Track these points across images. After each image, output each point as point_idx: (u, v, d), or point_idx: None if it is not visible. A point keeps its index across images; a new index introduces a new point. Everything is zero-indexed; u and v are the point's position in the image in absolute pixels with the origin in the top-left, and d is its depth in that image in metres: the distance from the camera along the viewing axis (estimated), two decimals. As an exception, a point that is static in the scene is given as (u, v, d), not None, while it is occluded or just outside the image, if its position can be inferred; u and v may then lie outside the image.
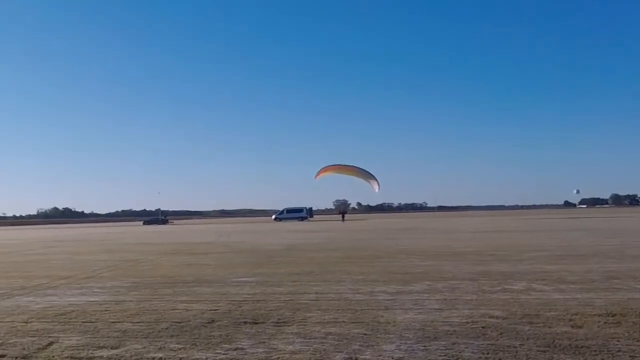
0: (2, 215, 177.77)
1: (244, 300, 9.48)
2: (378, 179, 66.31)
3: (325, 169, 67.11)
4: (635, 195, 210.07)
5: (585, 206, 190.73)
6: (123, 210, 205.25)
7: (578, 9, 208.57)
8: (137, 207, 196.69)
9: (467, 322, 7.37)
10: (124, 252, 23.17)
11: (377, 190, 66.31)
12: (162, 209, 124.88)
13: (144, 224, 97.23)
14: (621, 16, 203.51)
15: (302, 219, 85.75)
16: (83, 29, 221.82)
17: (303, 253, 19.60)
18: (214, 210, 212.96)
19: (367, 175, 66.05)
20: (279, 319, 7.85)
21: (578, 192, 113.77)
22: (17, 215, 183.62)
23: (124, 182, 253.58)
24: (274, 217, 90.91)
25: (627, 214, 73.13)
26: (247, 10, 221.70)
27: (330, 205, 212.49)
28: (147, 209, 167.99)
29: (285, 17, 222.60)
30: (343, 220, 68.21)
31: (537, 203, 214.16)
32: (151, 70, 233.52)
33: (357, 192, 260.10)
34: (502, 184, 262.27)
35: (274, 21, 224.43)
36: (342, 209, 79.86)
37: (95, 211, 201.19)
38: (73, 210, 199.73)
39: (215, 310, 8.68)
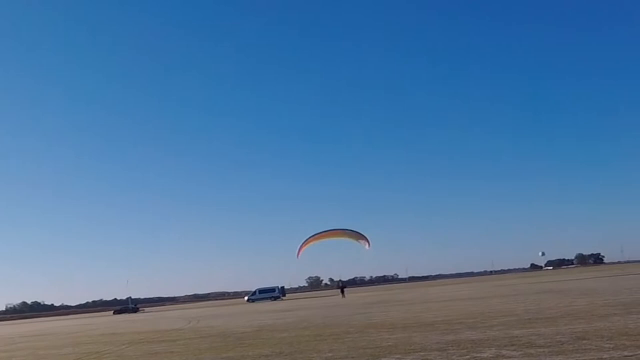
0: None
1: (210, 387, 9.24)
2: (367, 236, 61.05)
3: (307, 241, 61.21)
4: (599, 254, 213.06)
5: (551, 268, 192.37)
6: (94, 301, 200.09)
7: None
8: (108, 297, 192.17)
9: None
10: (90, 344, 22.46)
11: (368, 248, 60.59)
12: (133, 297, 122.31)
13: (114, 313, 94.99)
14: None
15: (275, 298, 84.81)
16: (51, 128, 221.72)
17: (273, 334, 19.26)
18: (187, 296, 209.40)
19: (356, 235, 60.91)
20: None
21: (543, 254, 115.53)
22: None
23: (94, 272, 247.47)
24: (246, 298, 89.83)
25: (593, 273, 73.82)
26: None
27: (304, 283, 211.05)
28: (118, 298, 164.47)
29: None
30: (343, 296, 63.20)
31: (505, 268, 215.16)
32: (116, 164, 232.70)
33: (330, 268, 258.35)
34: (469, 251, 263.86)
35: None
36: (341, 284, 72.37)
37: (66, 303, 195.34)
38: (42, 303, 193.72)
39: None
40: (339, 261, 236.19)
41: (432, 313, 22.84)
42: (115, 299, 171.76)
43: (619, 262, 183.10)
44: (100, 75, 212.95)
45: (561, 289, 35.71)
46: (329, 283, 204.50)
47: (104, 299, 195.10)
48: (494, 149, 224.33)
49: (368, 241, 60.16)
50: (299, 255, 61.76)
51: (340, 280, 74.68)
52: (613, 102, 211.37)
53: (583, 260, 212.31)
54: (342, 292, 65.93)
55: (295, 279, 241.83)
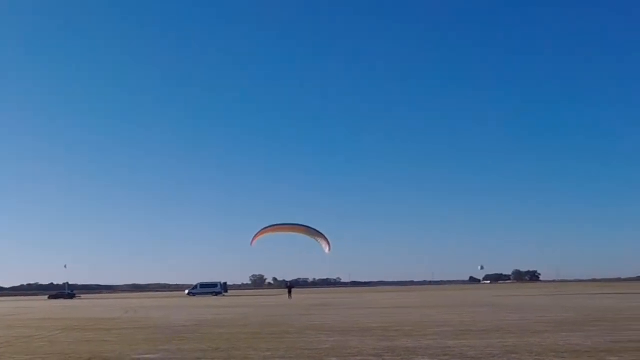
0: None
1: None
2: (329, 238, 56.18)
3: (264, 230, 56.73)
4: (535, 272, 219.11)
5: (489, 282, 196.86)
6: (29, 284, 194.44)
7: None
8: (44, 281, 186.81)
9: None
10: (21, 328, 21.95)
11: (327, 251, 56.13)
12: (70, 282, 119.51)
13: (49, 298, 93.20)
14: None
15: (217, 294, 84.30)
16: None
17: (212, 329, 19.19)
18: (126, 285, 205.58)
19: (315, 234, 56.36)
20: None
21: (482, 268, 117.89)
22: None
23: (30, 254, 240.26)
24: (187, 292, 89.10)
25: (528, 290, 75.82)
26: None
27: (247, 280, 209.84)
28: (55, 283, 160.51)
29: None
30: (290, 296, 60.12)
31: (444, 279, 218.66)
32: (56, 145, 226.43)
33: (273, 267, 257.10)
34: (411, 260, 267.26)
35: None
36: (289, 283, 68.03)
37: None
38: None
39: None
40: (284, 261, 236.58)
41: (370, 318, 23.12)
42: (52, 284, 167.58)
43: (554, 281, 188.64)
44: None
45: (496, 303, 36.58)
46: (272, 282, 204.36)
47: (40, 283, 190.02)
48: (439, 161, 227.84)
49: (329, 243, 56.26)
50: (253, 243, 57.62)
51: (288, 281, 72.65)
52: (555, 120, 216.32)
53: (519, 277, 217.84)
54: (290, 292, 64.01)
55: (238, 276, 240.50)
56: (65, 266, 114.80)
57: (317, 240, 56.62)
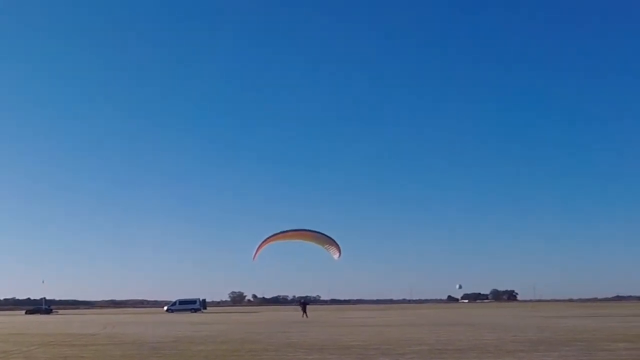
0: None
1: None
2: (339, 243, 51.10)
3: (267, 240, 50.97)
4: (513, 291, 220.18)
5: (467, 301, 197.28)
6: (5, 299, 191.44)
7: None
8: (21, 296, 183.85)
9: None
10: (-3, 343, 21.75)
11: (337, 257, 51.15)
12: (47, 297, 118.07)
13: (26, 313, 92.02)
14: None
15: (195, 310, 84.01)
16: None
17: (190, 346, 19.18)
18: (104, 300, 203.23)
19: (325, 240, 51.22)
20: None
21: (460, 287, 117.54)
22: None
23: (7, 268, 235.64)
24: (166, 308, 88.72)
25: (505, 310, 76.15)
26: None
27: (226, 297, 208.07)
28: (32, 298, 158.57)
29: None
30: (305, 314, 53.56)
31: (423, 297, 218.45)
32: (37, 158, 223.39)
33: (252, 284, 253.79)
34: (390, 279, 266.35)
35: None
36: (303, 300, 61.42)
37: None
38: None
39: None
40: (263, 278, 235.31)
41: (349, 336, 23.22)
42: (29, 299, 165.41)
43: (531, 300, 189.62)
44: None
45: (473, 322, 36.83)
46: (252, 299, 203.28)
47: (17, 298, 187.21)
48: (418, 180, 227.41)
49: (339, 248, 51.27)
50: (256, 257, 51.99)
51: (301, 297, 68.56)
52: (532, 138, 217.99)
53: (497, 296, 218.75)
54: (304, 309, 55.70)
55: (217, 292, 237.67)
56: (43, 281, 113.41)
57: (325, 248, 52.06)
